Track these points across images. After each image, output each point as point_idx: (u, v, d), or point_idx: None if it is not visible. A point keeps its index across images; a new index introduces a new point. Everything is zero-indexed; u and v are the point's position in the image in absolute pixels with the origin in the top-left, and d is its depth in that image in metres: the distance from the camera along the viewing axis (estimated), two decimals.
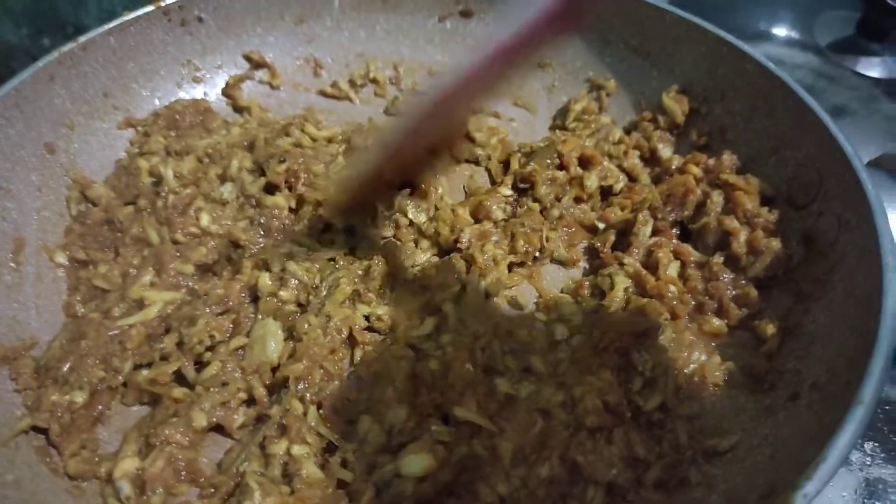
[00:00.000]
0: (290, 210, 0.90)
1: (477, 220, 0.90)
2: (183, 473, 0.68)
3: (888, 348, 0.58)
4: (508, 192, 0.95)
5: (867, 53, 1.45)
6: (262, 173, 0.93)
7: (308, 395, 0.72)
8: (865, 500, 0.77)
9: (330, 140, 1.01)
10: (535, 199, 0.93)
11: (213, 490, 0.67)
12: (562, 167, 0.95)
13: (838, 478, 0.77)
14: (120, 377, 0.74)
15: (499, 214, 0.91)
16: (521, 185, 0.95)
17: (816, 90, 1.35)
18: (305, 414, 0.70)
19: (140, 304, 0.80)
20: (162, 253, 0.83)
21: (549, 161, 0.95)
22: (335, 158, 0.96)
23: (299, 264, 0.83)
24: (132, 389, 0.75)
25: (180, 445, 0.69)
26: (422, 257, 0.87)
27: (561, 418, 0.69)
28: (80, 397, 0.72)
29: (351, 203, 0.88)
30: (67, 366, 0.74)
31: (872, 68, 1.42)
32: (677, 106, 0.97)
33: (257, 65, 1.10)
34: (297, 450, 0.67)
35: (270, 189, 0.92)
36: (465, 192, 0.99)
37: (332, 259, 0.84)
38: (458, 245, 0.86)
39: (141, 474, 0.67)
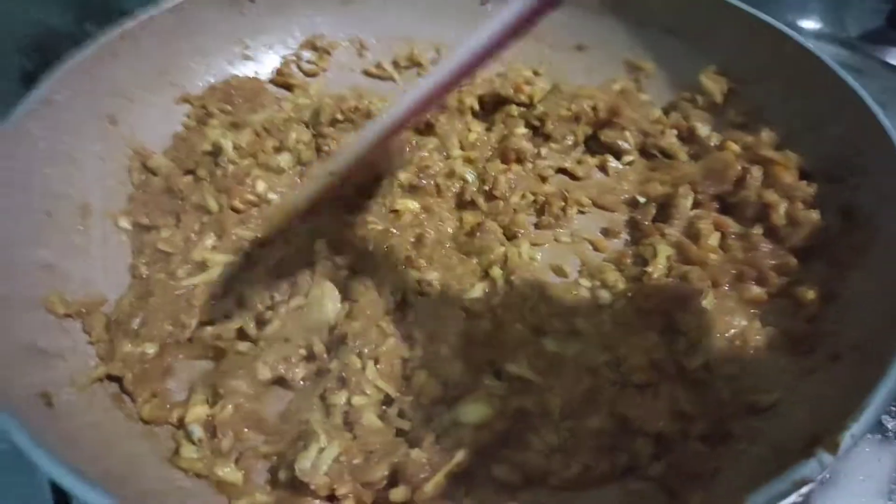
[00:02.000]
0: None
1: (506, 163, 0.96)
2: (249, 421, 0.72)
3: None
4: (523, 130, 1.00)
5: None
6: (318, 147, 0.98)
7: (365, 350, 0.75)
8: None
9: None
10: (546, 137, 0.99)
11: (278, 437, 0.71)
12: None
13: (878, 447, 0.80)
14: (187, 332, 0.78)
15: (527, 146, 0.96)
16: (534, 124, 1.01)
17: None
18: (364, 368, 0.74)
19: (202, 266, 0.84)
20: (224, 219, 0.87)
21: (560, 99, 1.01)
22: None
23: (354, 232, 0.86)
24: (198, 344, 0.79)
25: (246, 395, 0.73)
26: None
27: (608, 376, 0.72)
28: (151, 349, 0.76)
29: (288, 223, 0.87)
30: (138, 321, 0.78)
31: None
32: (716, 86, 1.00)
33: (315, 49, 1.15)
34: (356, 400, 0.71)
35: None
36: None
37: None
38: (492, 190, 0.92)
39: (211, 420, 0.71)
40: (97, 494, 0.53)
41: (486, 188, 0.93)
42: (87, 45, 0.94)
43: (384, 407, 0.73)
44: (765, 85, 0.97)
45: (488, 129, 1.04)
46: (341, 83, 1.15)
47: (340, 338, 0.77)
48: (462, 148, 1.01)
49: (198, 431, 0.70)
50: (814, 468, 0.51)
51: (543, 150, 0.98)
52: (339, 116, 0.99)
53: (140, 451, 0.69)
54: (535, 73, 1.14)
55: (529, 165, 0.97)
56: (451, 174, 0.95)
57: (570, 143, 1.01)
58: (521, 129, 1.00)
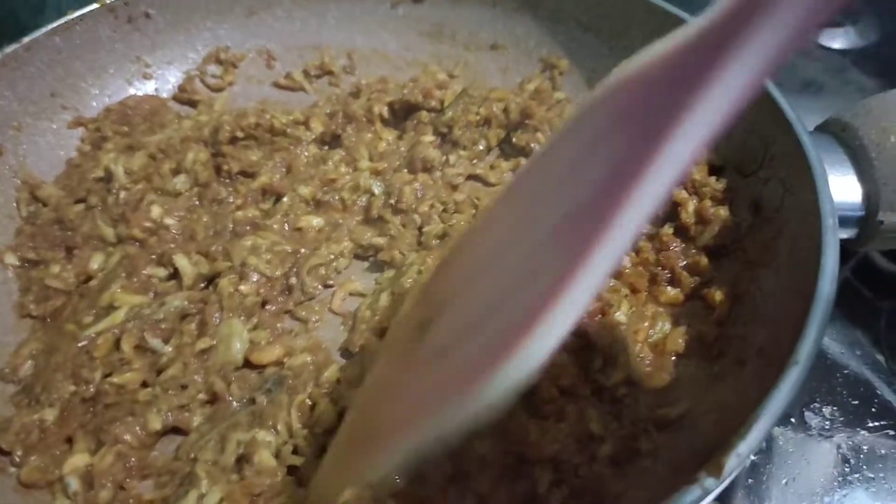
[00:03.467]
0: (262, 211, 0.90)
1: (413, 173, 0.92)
2: (133, 469, 0.67)
3: (826, 308, 0.58)
4: (430, 137, 0.97)
5: (829, 24, 1.44)
6: (218, 167, 0.93)
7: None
8: (839, 468, 0.77)
9: (297, 123, 0.99)
10: (454, 143, 0.95)
11: (168, 478, 0.67)
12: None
13: (818, 453, 0.77)
14: (91, 388, 0.72)
15: (434, 154, 0.92)
16: (442, 130, 0.98)
17: (785, 64, 1.35)
18: (290, 408, 0.70)
19: (109, 309, 0.78)
20: (137, 258, 0.82)
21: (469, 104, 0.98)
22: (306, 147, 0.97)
23: (260, 257, 0.82)
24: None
25: (131, 445, 0.68)
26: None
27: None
28: (50, 415, 0.70)
29: None
30: (40, 385, 0.73)
31: (835, 40, 1.41)
32: None
33: (220, 62, 1.10)
34: (261, 436, 0.67)
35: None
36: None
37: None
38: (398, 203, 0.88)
39: (90, 470, 0.66)
40: None
41: (392, 201, 0.89)
42: None
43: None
44: None
45: (399, 138, 1.00)
46: (250, 97, 1.11)
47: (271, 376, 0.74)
48: (371, 159, 0.97)
49: (74, 484, 0.65)
50: (696, 495, 0.47)
51: (452, 157, 0.94)
52: (240, 134, 0.94)
53: None
54: (451, 76, 1.10)
55: (438, 174, 0.93)
56: (356, 187, 0.91)
57: (481, 148, 0.97)
58: (429, 137, 0.96)
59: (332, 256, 0.84)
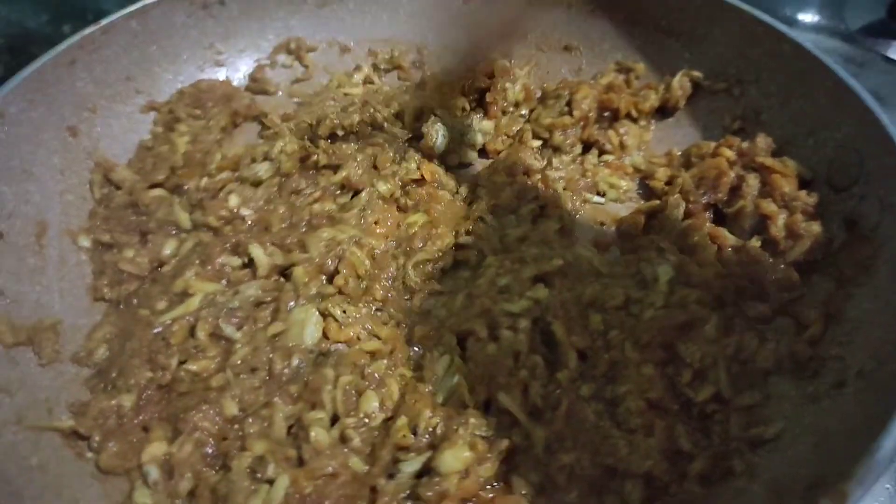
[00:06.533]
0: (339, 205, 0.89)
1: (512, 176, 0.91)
2: (210, 458, 0.67)
3: None
4: (535, 143, 0.96)
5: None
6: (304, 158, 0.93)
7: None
8: None
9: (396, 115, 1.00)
10: (556, 149, 0.95)
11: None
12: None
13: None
14: (168, 375, 0.72)
15: (538, 165, 0.91)
16: (543, 136, 0.97)
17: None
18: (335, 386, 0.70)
19: (182, 296, 0.78)
20: (211, 246, 0.82)
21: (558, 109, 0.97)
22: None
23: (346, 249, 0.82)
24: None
25: (209, 432, 0.68)
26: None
27: (595, 409, 0.67)
28: (127, 401, 0.70)
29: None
30: (116, 370, 0.73)
31: None
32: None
33: (290, 52, 1.10)
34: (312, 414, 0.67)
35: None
36: None
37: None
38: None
39: (168, 459, 0.66)
40: None
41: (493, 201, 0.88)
42: (44, 54, 0.88)
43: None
44: (762, 87, 0.91)
45: None
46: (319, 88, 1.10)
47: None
48: None
49: (154, 473, 0.65)
50: None
51: (556, 161, 0.94)
52: (340, 132, 0.94)
53: (89, 496, 0.64)
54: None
55: (538, 176, 0.91)
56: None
57: (578, 150, 0.96)
58: (534, 143, 0.95)
59: (440, 253, 0.83)
